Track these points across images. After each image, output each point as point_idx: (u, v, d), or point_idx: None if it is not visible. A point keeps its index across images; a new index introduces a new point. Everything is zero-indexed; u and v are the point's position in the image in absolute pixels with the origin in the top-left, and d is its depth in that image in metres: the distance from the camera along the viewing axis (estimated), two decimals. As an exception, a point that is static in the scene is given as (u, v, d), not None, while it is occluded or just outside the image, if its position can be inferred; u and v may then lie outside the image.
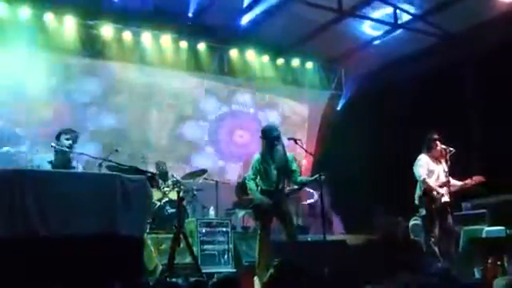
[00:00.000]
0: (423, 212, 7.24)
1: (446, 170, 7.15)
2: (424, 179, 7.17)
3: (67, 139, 6.01)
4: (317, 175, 6.47)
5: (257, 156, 6.64)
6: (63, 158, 6.00)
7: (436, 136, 7.32)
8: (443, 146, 7.21)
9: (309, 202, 10.37)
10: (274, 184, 6.53)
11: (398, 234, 9.75)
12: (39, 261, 4.30)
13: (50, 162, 5.97)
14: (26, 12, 9.42)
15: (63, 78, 10.01)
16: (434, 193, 7.14)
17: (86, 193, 4.60)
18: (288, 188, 7.14)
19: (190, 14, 10.29)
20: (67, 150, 5.95)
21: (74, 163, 6.08)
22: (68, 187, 4.56)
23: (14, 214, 4.30)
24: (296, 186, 7.63)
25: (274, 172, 6.51)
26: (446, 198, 7.16)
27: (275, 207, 6.49)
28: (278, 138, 6.59)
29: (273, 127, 6.76)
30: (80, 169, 6.10)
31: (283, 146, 6.61)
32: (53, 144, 6.00)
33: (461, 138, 8.29)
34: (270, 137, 6.56)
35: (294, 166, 6.72)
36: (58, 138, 6.05)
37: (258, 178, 6.57)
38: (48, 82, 9.81)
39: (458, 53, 10.18)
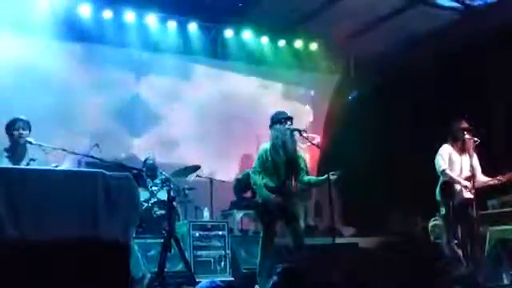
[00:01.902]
0: (443, 210, 7.24)
1: (473, 163, 7.15)
2: (443, 170, 7.15)
3: (16, 129, 6.17)
4: (326, 175, 6.44)
5: (265, 145, 6.60)
6: (19, 151, 6.15)
7: (465, 125, 7.30)
8: (468, 136, 7.20)
9: None
10: (282, 180, 6.49)
11: (416, 236, 9.77)
12: (9, 268, 4.29)
13: (8, 157, 6.08)
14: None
15: (37, 63, 9.95)
16: (456, 186, 7.13)
17: (64, 192, 4.58)
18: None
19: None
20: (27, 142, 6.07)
21: (36, 156, 6.14)
22: (44, 186, 4.55)
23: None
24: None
25: (283, 166, 6.48)
26: (468, 195, 7.16)
27: (282, 207, 6.46)
28: (288, 119, 6.58)
29: (282, 111, 6.77)
30: (42, 162, 6.15)
31: (295, 139, 6.57)
32: (29, 139, 6.08)
33: (486, 126, 8.26)
34: (279, 119, 6.56)
35: (303, 164, 6.72)
36: (7, 129, 6.22)
37: (264, 172, 6.52)
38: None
39: (481, 29, 10.15)
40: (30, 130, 6.24)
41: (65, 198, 4.57)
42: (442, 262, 6.96)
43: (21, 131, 6.15)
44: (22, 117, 6.27)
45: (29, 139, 6.15)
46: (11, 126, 6.19)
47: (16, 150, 6.14)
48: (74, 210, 4.58)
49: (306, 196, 10.27)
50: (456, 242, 7.08)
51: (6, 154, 6.10)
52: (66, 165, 6.37)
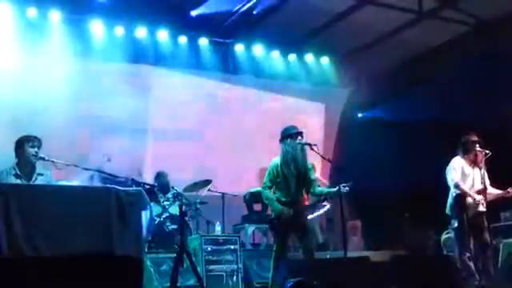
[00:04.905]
0: (455, 223, 7.24)
1: (483, 176, 7.15)
2: (457, 183, 7.16)
3: (32, 147, 6.07)
4: (338, 186, 6.46)
5: (275, 160, 6.63)
6: (29, 168, 6.07)
7: (475, 138, 7.32)
8: (479, 149, 7.21)
9: (318, 213, 9.64)
10: (293, 193, 6.53)
11: (429, 250, 9.74)
12: (25, 284, 4.34)
13: (16, 175, 6.01)
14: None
15: (47, 80, 9.99)
16: (469, 199, 7.14)
17: (77, 208, 4.63)
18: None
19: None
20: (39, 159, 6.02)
21: (43, 171, 6.12)
22: (57, 202, 4.61)
23: (-3, 232, 4.34)
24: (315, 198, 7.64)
25: (294, 180, 6.51)
26: (481, 208, 7.16)
27: (295, 220, 6.49)
28: (299, 134, 6.62)
29: (292, 126, 6.79)
30: (49, 176, 6.16)
31: (304, 152, 6.61)
32: (42, 155, 6.06)
33: (498, 139, 8.27)
34: (289, 134, 6.60)
35: (313, 176, 6.77)
36: (20, 146, 6.10)
37: (274, 186, 6.56)
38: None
39: (491, 43, 10.18)
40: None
41: (78, 214, 4.63)
42: (455, 275, 6.96)
43: (36, 149, 6.05)
44: (35, 135, 6.18)
45: (41, 155, 6.09)
46: (26, 143, 6.07)
47: (26, 166, 6.08)
48: (88, 226, 4.64)
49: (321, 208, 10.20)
50: (468, 254, 7.07)
51: (13, 171, 6.01)
52: (78, 181, 6.32)
